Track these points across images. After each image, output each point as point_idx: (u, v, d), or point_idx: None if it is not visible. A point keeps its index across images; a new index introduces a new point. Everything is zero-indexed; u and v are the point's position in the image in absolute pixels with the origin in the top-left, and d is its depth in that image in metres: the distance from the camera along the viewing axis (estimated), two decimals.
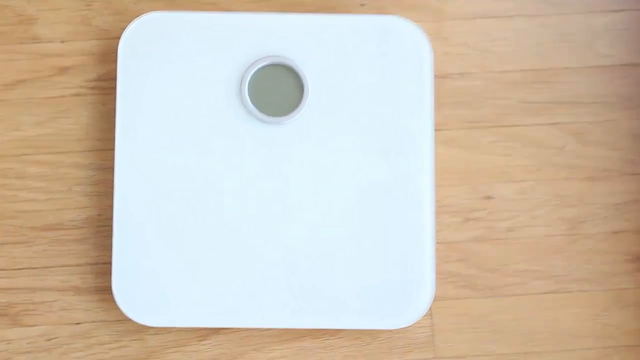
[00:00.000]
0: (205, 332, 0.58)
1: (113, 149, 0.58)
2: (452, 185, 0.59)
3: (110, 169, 0.58)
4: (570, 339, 0.59)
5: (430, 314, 0.58)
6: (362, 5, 0.60)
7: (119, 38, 0.59)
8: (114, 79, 0.59)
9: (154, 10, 0.59)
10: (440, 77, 0.60)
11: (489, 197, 0.59)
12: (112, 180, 0.58)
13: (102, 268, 0.58)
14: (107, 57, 0.59)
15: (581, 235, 0.59)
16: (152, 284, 0.56)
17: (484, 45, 0.60)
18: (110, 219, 0.58)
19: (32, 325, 0.58)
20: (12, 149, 0.59)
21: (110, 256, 0.58)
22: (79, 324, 0.58)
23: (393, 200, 0.56)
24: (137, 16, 0.59)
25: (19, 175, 0.58)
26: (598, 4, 0.60)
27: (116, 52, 0.59)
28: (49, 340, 0.58)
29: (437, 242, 0.59)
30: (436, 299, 0.58)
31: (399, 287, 0.56)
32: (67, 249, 0.58)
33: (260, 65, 0.57)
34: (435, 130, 0.59)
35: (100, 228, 0.58)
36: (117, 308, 0.58)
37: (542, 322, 0.59)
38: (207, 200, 0.56)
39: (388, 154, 0.57)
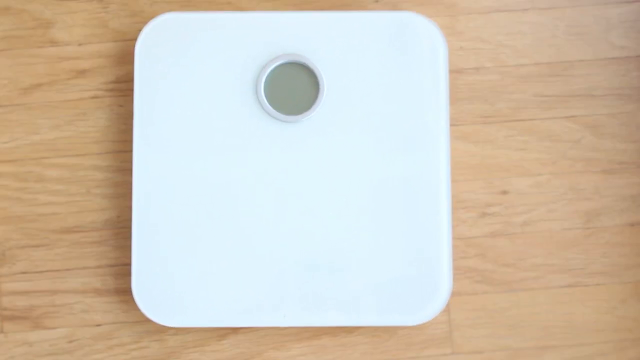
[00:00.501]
0: (224, 332, 0.58)
1: (131, 151, 0.59)
2: (468, 180, 0.59)
3: (129, 171, 0.59)
4: (587, 332, 0.58)
5: (447, 309, 0.58)
6: (376, 1, 0.60)
7: (135, 40, 0.59)
8: (131, 80, 0.59)
9: (170, 11, 0.59)
10: (455, 72, 0.60)
11: (504, 192, 0.59)
12: (131, 182, 0.58)
13: (122, 269, 0.58)
14: (124, 59, 0.60)
15: (597, 228, 0.59)
16: (171, 284, 0.56)
17: (498, 39, 0.60)
18: (129, 220, 0.58)
19: (53, 328, 0.58)
20: (31, 152, 0.59)
21: (130, 257, 0.58)
22: (99, 325, 0.58)
23: (409, 196, 0.56)
24: (153, 17, 0.59)
25: (38, 178, 0.59)
26: None
27: (133, 53, 0.59)
28: (70, 342, 0.58)
29: (454, 238, 0.59)
30: (453, 294, 0.58)
31: (416, 283, 0.56)
32: (86, 251, 0.59)
33: (275, 64, 0.57)
34: (451, 125, 0.59)
35: (120, 230, 0.59)
36: (137, 309, 0.58)
37: (559, 316, 0.59)
38: (224, 199, 0.56)
39: (404, 150, 0.57)
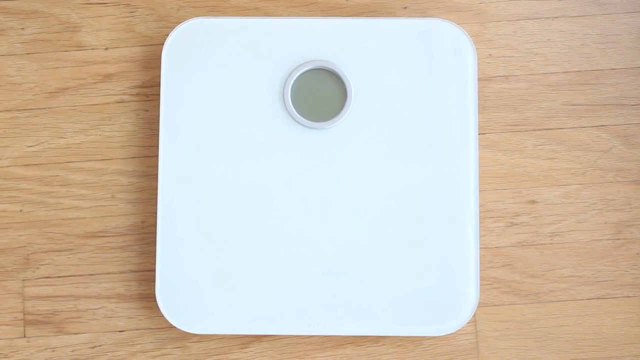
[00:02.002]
0: (247, 340, 0.58)
1: (156, 156, 0.59)
2: (496, 189, 0.59)
3: (154, 176, 0.59)
4: (616, 345, 0.58)
5: (474, 320, 0.58)
6: (405, 8, 0.60)
7: (162, 44, 0.59)
8: (158, 85, 0.59)
9: (197, 16, 0.59)
10: (483, 79, 0.59)
11: (533, 202, 0.59)
12: (156, 187, 0.58)
13: (146, 275, 0.58)
14: (151, 64, 0.60)
15: (627, 239, 0.58)
16: (195, 291, 0.56)
17: (527, 47, 0.60)
18: (154, 226, 0.58)
19: (76, 333, 0.58)
20: (57, 156, 0.59)
21: (154, 263, 0.58)
22: (122, 331, 0.58)
23: (436, 205, 0.56)
24: (180, 22, 0.59)
25: (64, 182, 0.59)
26: None
27: (159, 58, 0.59)
28: (93, 347, 0.58)
29: (481, 247, 0.58)
30: (480, 305, 0.58)
31: (442, 293, 0.56)
32: (111, 256, 0.58)
33: (302, 70, 0.57)
34: (479, 133, 0.59)
35: (144, 235, 0.58)
36: (160, 315, 0.58)
37: (587, 329, 0.58)
38: (250, 206, 0.56)
39: (431, 158, 0.56)
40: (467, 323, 0.58)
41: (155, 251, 0.58)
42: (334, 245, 0.56)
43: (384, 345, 0.58)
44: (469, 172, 0.56)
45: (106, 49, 0.60)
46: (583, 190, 0.59)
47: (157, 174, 0.58)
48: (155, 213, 0.58)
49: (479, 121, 0.59)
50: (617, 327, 0.58)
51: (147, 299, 0.58)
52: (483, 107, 0.59)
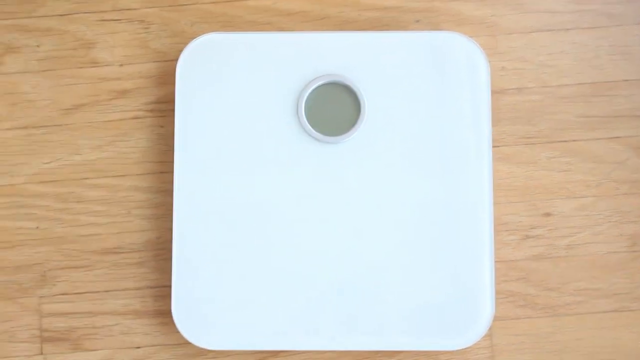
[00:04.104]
0: (263, 355, 0.58)
1: (172, 172, 0.59)
2: (511, 202, 0.59)
3: (169, 192, 0.59)
4: (634, 358, 0.58)
5: (490, 334, 0.58)
6: (417, 21, 0.60)
7: (176, 60, 0.59)
8: (172, 101, 0.59)
9: (211, 31, 0.59)
10: (497, 92, 0.59)
11: (548, 214, 0.58)
12: (171, 203, 0.58)
13: (162, 291, 0.58)
14: (165, 80, 0.60)
15: None
16: (211, 307, 0.56)
17: (540, 59, 0.60)
18: (169, 241, 0.58)
19: (93, 350, 0.58)
20: (73, 173, 0.59)
21: (170, 279, 0.58)
22: (139, 347, 0.58)
23: (451, 218, 0.56)
24: (194, 38, 0.59)
25: (79, 199, 0.59)
26: None
27: (174, 74, 0.59)
28: None
29: (496, 261, 0.58)
30: (496, 318, 0.58)
31: (458, 307, 0.56)
32: (127, 273, 0.59)
33: (316, 85, 0.57)
34: (493, 146, 0.59)
35: (160, 251, 0.59)
36: (176, 331, 0.58)
37: (604, 342, 0.58)
38: (264, 221, 0.56)
39: (445, 172, 0.56)
40: (483, 337, 0.58)
41: (170, 267, 0.58)
42: (348, 259, 0.56)
43: (399, 359, 0.58)
44: (483, 185, 0.56)
45: (121, 65, 0.60)
46: (598, 202, 0.59)
47: (172, 190, 0.58)
48: (171, 229, 0.58)
49: (492, 134, 0.59)
50: (635, 340, 0.58)
51: (163, 315, 0.58)
52: (496, 119, 0.59)
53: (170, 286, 0.58)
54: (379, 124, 0.57)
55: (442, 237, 0.56)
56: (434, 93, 0.57)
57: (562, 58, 0.60)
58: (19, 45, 0.60)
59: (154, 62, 0.60)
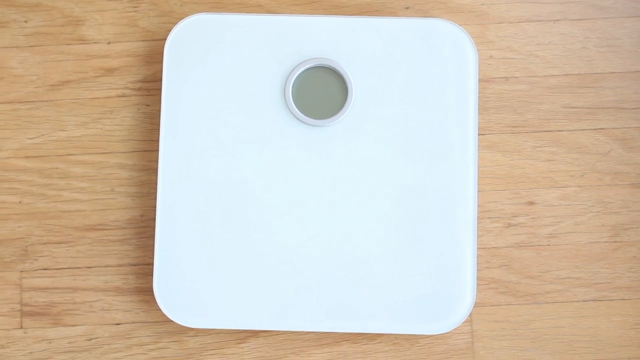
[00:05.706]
0: (244, 335, 0.58)
1: (157, 150, 0.59)
2: (494, 190, 0.59)
3: (154, 170, 0.59)
4: (612, 347, 0.58)
5: (470, 320, 0.58)
6: (407, 8, 0.60)
7: (164, 40, 0.59)
8: (159, 80, 0.59)
9: (200, 12, 0.59)
10: (484, 80, 0.59)
11: (531, 203, 0.59)
12: (155, 182, 0.58)
13: (144, 269, 0.58)
14: (153, 59, 0.60)
15: (624, 242, 0.58)
16: (193, 285, 0.56)
17: (528, 49, 0.60)
18: (153, 220, 0.58)
19: (73, 325, 0.58)
20: (57, 149, 0.59)
21: (152, 257, 0.58)
22: (119, 324, 0.58)
23: (435, 204, 0.56)
24: (183, 18, 0.59)
25: (63, 175, 0.59)
26: None
27: (162, 53, 0.59)
28: (89, 340, 0.58)
29: (478, 248, 0.58)
30: (476, 305, 0.58)
31: (439, 292, 0.56)
32: (109, 249, 0.59)
33: (304, 68, 0.57)
34: (478, 134, 0.59)
35: (143, 229, 0.59)
36: (157, 309, 0.58)
37: (583, 330, 0.58)
38: (248, 202, 0.56)
39: (431, 158, 0.56)
40: (463, 322, 0.58)
41: (153, 245, 0.58)
42: (332, 242, 0.56)
43: (380, 343, 0.58)
44: (468, 172, 0.56)
45: (109, 43, 0.60)
46: (581, 192, 0.59)
47: (157, 169, 0.58)
48: (155, 207, 0.58)
49: (478, 122, 0.59)
50: (613, 330, 0.58)
51: (145, 292, 0.58)
52: (483, 108, 0.59)
53: (152, 264, 0.58)
54: (365, 109, 0.57)
55: (425, 222, 0.56)
56: (422, 79, 0.57)
57: (550, 49, 0.60)
58: (6, 20, 0.60)
59: (142, 40, 0.60)
